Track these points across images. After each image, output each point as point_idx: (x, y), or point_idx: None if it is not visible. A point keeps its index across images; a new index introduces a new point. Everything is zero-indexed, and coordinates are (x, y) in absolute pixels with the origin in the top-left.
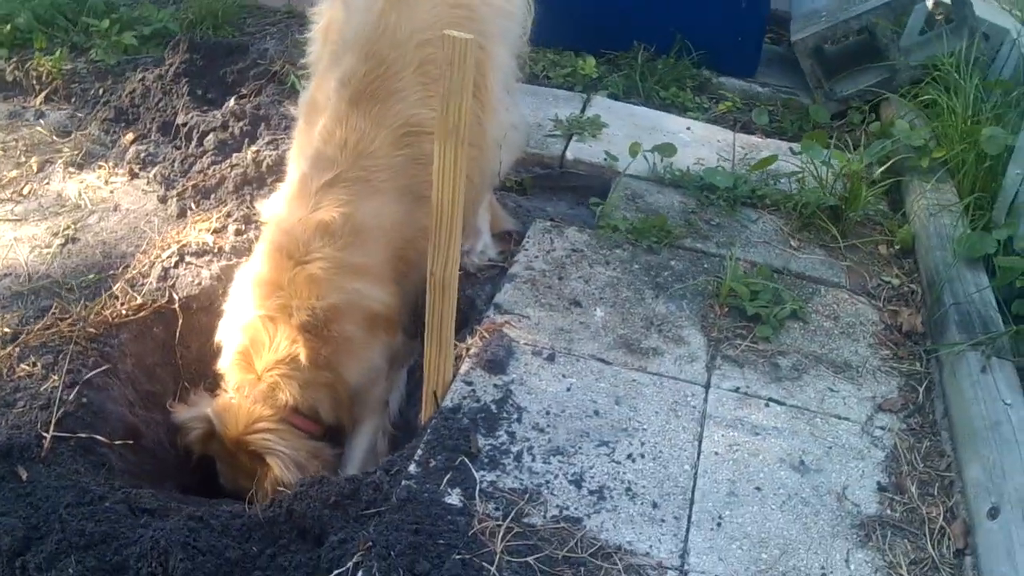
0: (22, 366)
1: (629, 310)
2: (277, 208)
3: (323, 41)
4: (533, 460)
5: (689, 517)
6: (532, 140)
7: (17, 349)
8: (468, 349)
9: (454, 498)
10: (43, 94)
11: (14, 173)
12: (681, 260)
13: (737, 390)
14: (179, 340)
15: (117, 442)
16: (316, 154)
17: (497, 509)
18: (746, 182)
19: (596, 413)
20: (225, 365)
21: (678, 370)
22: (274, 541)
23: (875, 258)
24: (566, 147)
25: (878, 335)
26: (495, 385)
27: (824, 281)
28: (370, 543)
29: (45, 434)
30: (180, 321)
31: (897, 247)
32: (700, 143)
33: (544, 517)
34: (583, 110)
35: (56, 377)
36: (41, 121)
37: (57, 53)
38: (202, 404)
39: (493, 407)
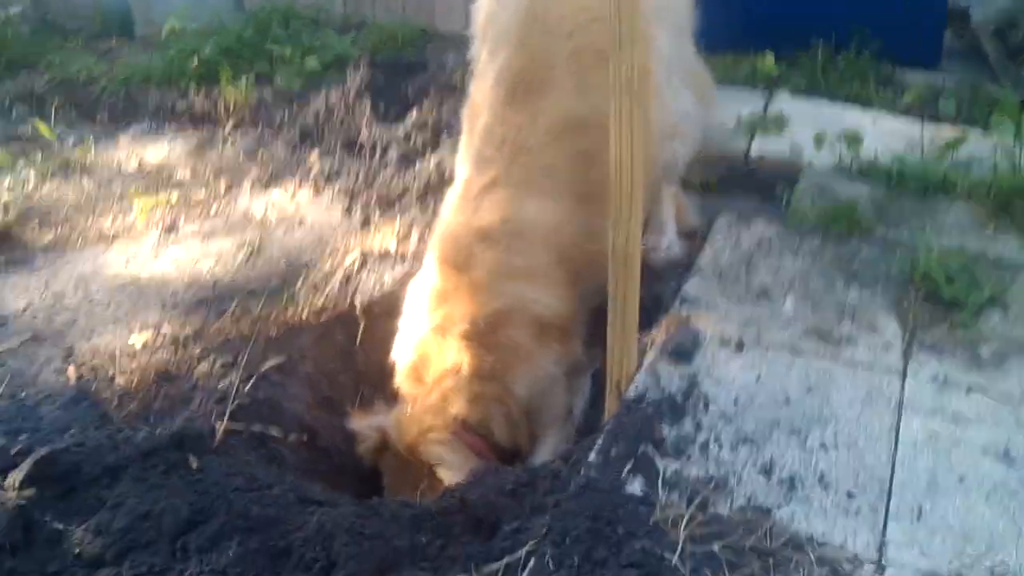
0: (202, 365)
1: (820, 299)
2: (444, 215)
3: (482, 38)
4: (720, 449)
5: (887, 508)
6: (716, 139)
7: (198, 349)
8: (652, 341)
9: (635, 487)
10: (231, 122)
11: (203, 194)
12: (872, 248)
13: (935, 378)
14: (360, 345)
15: (291, 436)
16: (476, 155)
17: (681, 498)
18: (936, 169)
19: (787, 402)
20: (399, 380)
21: (872, 358)
22: (445, 532)
23: None
24: (750, 144)
25: None
26: (681, 375)
27: None
28: (545, 529)
29: (218, 424)
30: (361, 326)
31: None
32: (886, 135)
33: (731, 507)
34: (765, 107)
35: (234, 375)
36: (229, 146)
37: (243, 81)
38: (379, 414)
39: (678, 397)
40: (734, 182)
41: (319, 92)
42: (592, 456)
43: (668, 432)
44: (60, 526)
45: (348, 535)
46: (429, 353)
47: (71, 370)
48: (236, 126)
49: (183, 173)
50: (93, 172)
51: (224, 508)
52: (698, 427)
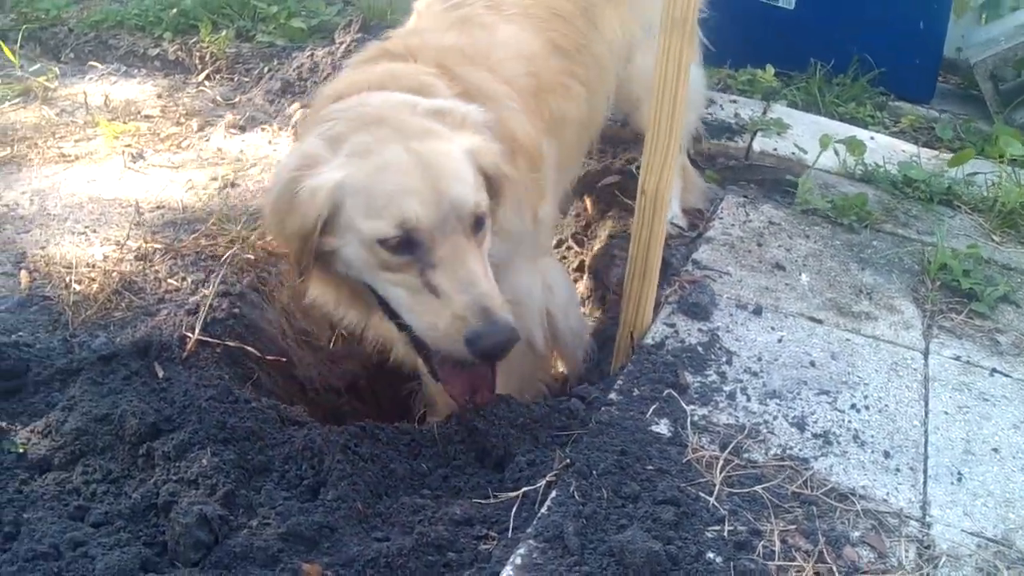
0: (170, 280)
1: (835, 278)
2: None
3: None
4: (748, 400)
5: (925, 470)
6: (715, 136)
7: (166, 264)
8: (667, 297)
9: (662, 428)
10: (206, 72)
11: (173, 130)
12: (883, 241)
13: (958, 358)
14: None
15: (269, 357)
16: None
17: (712, 442)
18: (940, 180)
19: (812, 364)
20: None
21: (894, 335)
22: (447, 461)
23: None
24: (751, 141)
25: None
26: (699, 330)
27: None
28: (568, 461)
29: (190, 335)
30: None
31: None
32: (885, 149)
33: (766, 454)
34: (764, 112)
35: (207, 291)
36: (203, 92)
37: (223, 34)
38: None
39: (700, 348)
40: (736, 175)
41: (303, 51)
42: (613, 395)
43: (691, 379)
44: (2, 423)
45: (341, 454)
46: None
47: (23, 274)
48: (211, 76)
49: (153, 111)
50: (55, 102)
51: (195, 416)
52: (723, 378)
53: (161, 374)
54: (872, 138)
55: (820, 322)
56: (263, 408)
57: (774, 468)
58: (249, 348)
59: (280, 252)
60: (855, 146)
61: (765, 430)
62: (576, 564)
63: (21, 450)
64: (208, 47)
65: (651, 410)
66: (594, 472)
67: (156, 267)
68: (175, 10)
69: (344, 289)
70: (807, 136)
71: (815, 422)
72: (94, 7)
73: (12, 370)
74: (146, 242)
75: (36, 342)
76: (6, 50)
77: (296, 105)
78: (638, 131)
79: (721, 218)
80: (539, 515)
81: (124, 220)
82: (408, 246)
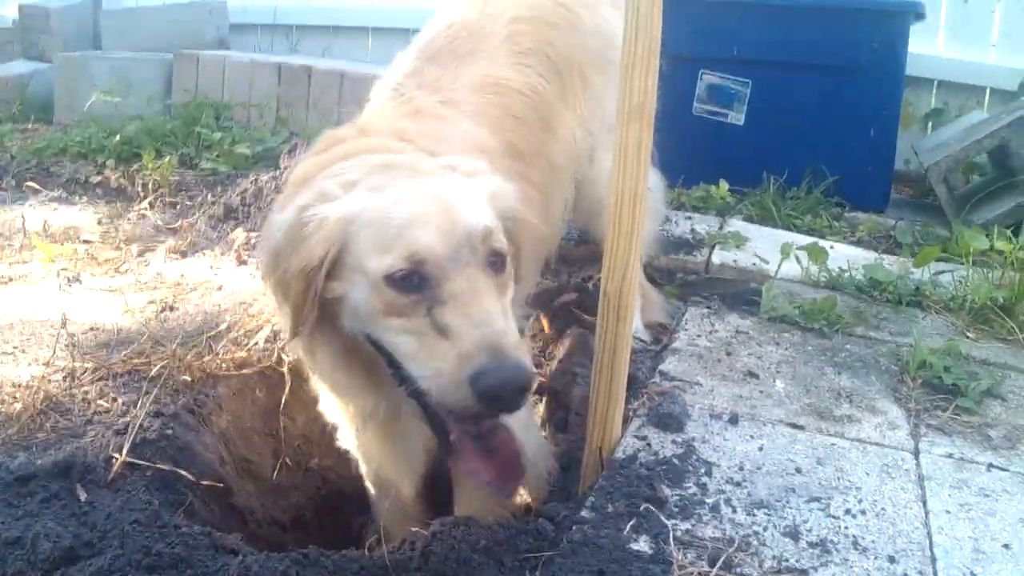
0: (99, 402)
1: (812, 383)
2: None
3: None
4: (734, 512)
5: (935, 573)
6: (673, 252)
7: (97, 385)
8: (635, 411)
9: (642, 545)
10: (147, 200)
11: (112, 254)
12: (855, 344)
13: (951, 456)
14: (284, 410)
15: (205, 482)
16: (393, 92)
17: (700, 558)
18: (907, 282)
19: (798, 471)
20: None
21: (880, 436)
22: None
23: None
24: (710, 255)
25: None
26: (673, 441)
27: (1013, 367)
28: None
29: (116, 456)
30: (287, 387)
31: None
32: (846, 258)
33: (760, 567)
34: (721, 227)
35: (138, 413)
36: (144, 219)
37: (166, 160)
38: None
39: (676, 460)
40: (696, 289)
41: (247, 177)
42: (584, 512)
43: (670, 493)
44: None
45: None
46: None
47: None
48: (153, 204)
49: (92, 236)
50: None
51: (117, 541)
52: (704, 490)
53: (83, 497)
54: (832, 247)
55: (801, 428)
56: (194, 534)
57: None
58: (182, 472)
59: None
60: (817, 253)
61: (756, 542)
62: None
63: None
64: (151, 174)
65: (628, 526)
66: None
67: (85, 388)
68: (118, 137)
69: (345, 348)
70: (766, 248)
71: (809, 530)
72: (37, 135)
73: None
74: (75, 361)
75: None
76: None
77: (240, 230)
78: (600, 239)
79: (686, 329)
80: None
81: (53, 341)
82: (416, 282)
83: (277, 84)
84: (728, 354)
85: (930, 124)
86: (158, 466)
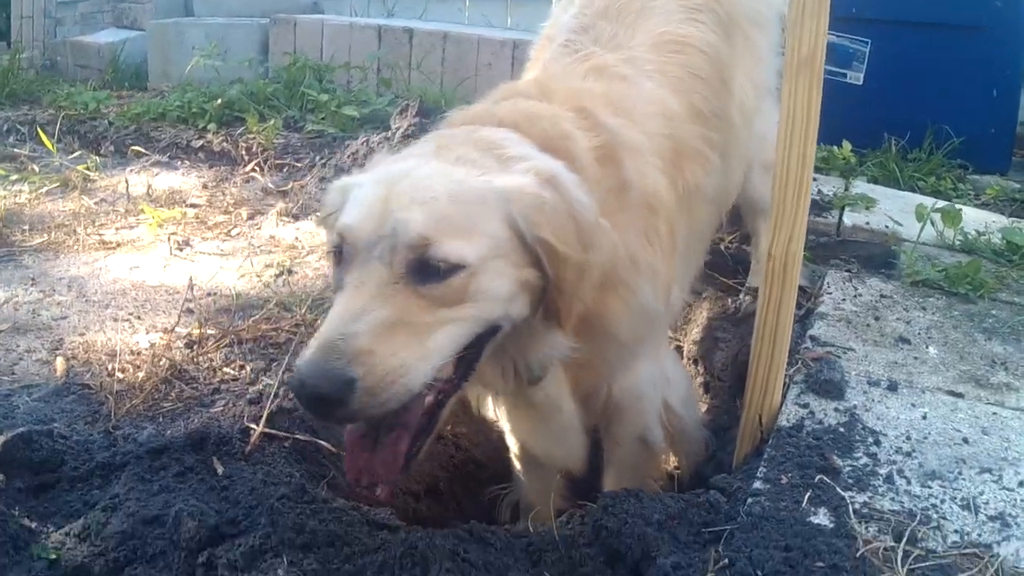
0: (225, 369)
1: (964, 350)
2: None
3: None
4: (908, 483)
5: None
6: None
7: (221, 352)
8: (791, 377)
9: (822, 518)
10: (254, 162)
11: (221, 218)
12: (1001, 310)
13: None
14: None
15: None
16: (564, 47)
17: (882, 532)
18: None
19: (965, 441)
20: None
21: None
22: (573, 568)
23: None
24: (840, 217)
25: None
26: (836, 410)
27: None
28: (726, 561)
29: (253, 426)
30: None
31: None
32: (977, 222)
33: (944, 542)
34: (846, 189)
35: (270, 380)
36: (251, 182)
37: (271, 123)
38: None
39: (841, 429)
40: (829, 252)
41: (356, 139)
42: (758, 484)
43: (841, 463)
44: (31, 524)
45: (450, 561)
46: None
47: (59, 362)
48: (260, 166)
49: (198, 200)
50: (95, 192)
51: (267, 519)
52: (875, 460)
53: (221, 471)
54: (960, 210)
55: (961, 396)
56: (346, 509)
57: (958, 557)
58: (322, 443)
59: None
60: (952, 216)
61: (935, 515)
62: None
63: (53, 556)
64: (255, 138)
65: (805, 499)
66: (759, 573)
67: (210, 355)
68: (219, 101)
69: None
70: (895, 209)
71: (986, 503)
72: (135, 101)
73: (45, 463)
74: (198, 327)
75: (73, 433)
76: (45, 139)
77: None
78: (754, 199)
79: (830, 293)
80: None
81: (171, 307)
82: (341, 260)
83: (377, 47)
84: (876, 319)
85: None
86: (296, 436)
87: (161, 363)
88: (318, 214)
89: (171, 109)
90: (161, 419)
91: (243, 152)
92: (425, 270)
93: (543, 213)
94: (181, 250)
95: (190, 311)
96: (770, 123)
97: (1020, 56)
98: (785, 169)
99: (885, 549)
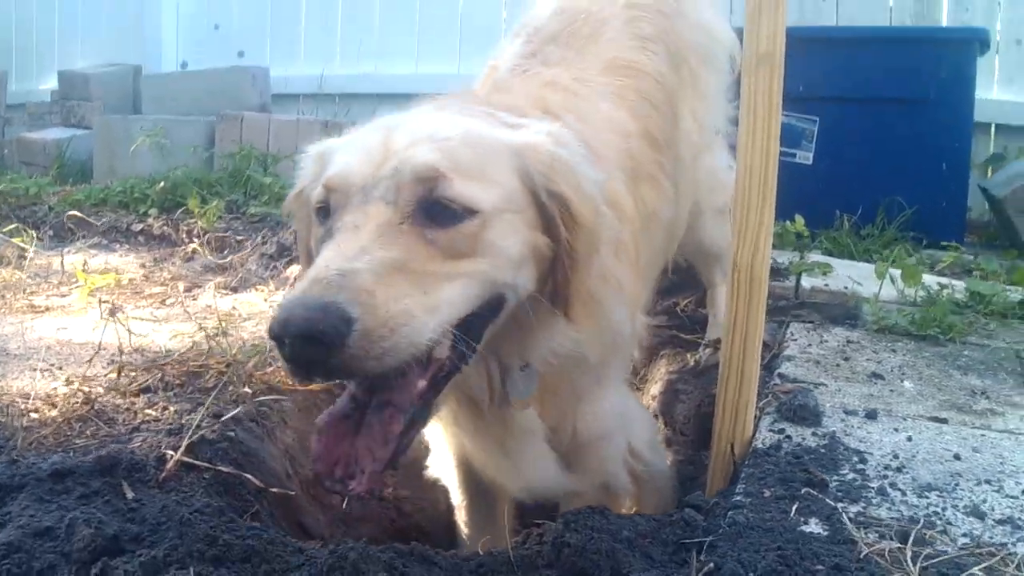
0: (148, 411)
1: (941, 383)
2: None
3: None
4: (903, 495)
5: None
6: None
7: (144, 397)
8: (763, 408)
9: (814, 527)
10: (193, 245)
11: (157, 289)
12: (973, 350)
13: None
14: None
15: (275, 490)
16: (515, 65)
17: (884, 537)
18: (1008, 296)
19: (957, 457)
20: None
21: None
22: None
23: None
24: (798, 280)
25: None
26: (814, 434)
27: None
28: (712, 565)
29: (171, 452)
30: None
31: None
32: (937, 283)
33: (954, 544)
34: (801, 258)
35: (195, 414)
36: (191, 259)
37: (214, 203)
38: None
39: (823, 450)
40: (787, 313)
41: None
42: (739, 497)
43: (828, 478)
44: None
45: (386, 573)
46: None
47: None
48: (201, 247)
49: (135, 276)
50: (29, 268)
51: (176, 531)
52: (863, 475)
53: (131, 495)
54: (920, 268)
55: (944, 421)
56: (266, 529)
57: (972, 555)
58: (248, 476)
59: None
60: (912, 273)
61: (939, 521)
62: None
63: None
64: (197, 222)
65: (793, 509)
66: (751, 574)
67: (132, 399)
68: (162, 184)
69: None
70: (853, 275)
71: (992, 509)
72: (77, 190)
73: None
74: (120, 372)
75: None
76: None
77: (295, 266)
78: (701, 242)
79: (795, 339)
80: None
81: (96, 359)
82: (326, 214)
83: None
84: (845, 359)
85: (990, 169)
86: (219, 468)
87: (77, 399)
88: (289, 195)
89: (112, 195)
90: (72, 452)
91: (183, 235)
92: (435, 211)
93: (558, 171)
94: (112, 315)
95: (114, 362)
96: (719, 166)
97: (967, 128)
98: (748, 167)
99: (891, 551)
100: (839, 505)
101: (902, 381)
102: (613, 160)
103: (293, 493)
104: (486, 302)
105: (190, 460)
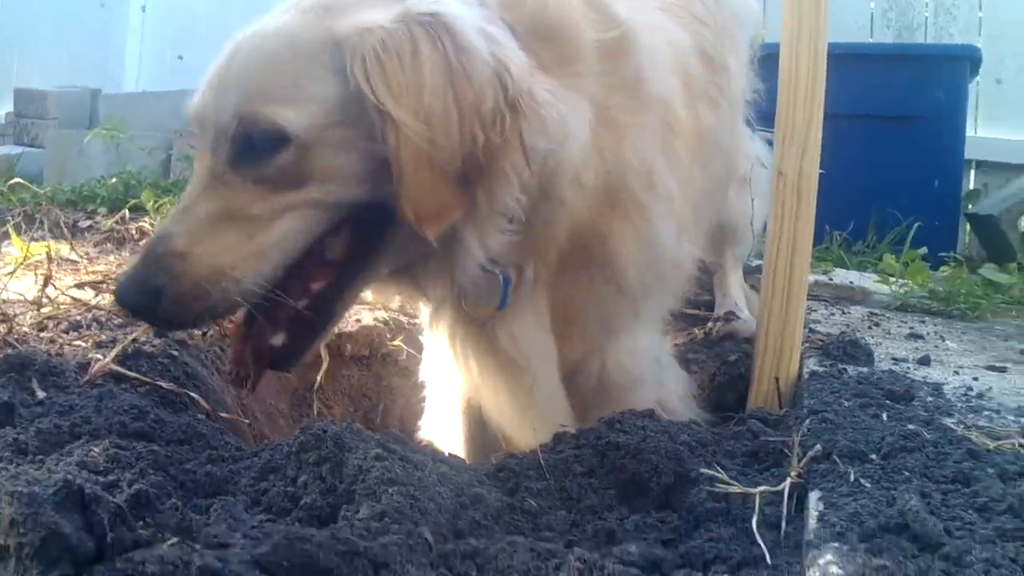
0: (76, 341)
1: (984, 345)
2: None
3: None
4: (997, 414)
5: None
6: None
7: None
8: (805, 352)
9: (915, 427)
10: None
11: (100, 267)
12: (1004, 326)
13: None
14: (319, 393)
15: (224, 415)
16: None
17: (1000, 438)
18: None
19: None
20: None
21: None
22: (572, 502)
23: None
24: None
25: None
26: (870, 371)
27: None
28: (817, 448)
29: (98, 356)
30: (324, 367)
31: None
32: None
33: None
34: None
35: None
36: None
37: (169, 198)
38: None
39: (888, 378)
40: None
41: None
42: (814, 404)
43: (907, 393)
44: None
45: (376, 459)
46: None
47: None
48: None
49: (78, 261)
50: None
51: (93, 406)
52: (945, 400)
53: (41, 394)
54: (927, 265)
55: (1003, 370)
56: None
57: None
58: (193, 395)
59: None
60: (918, 271)
61: None
62: None
63: None
64: (150, 219)
65: (884, 415)
66: (872, 456)
67: (60, 335)
68: (114, 179)
69: None
70: (853, 277)
71: None
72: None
73: None
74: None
75: None
76: None
77: None
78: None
79: (817, 310)
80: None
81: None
82: None
83: None
84: (877, 324)
85: (970, 205)
86: (158, 383)
87: None
88: None
89: (61, 193)
90: None
91: (135, 233)
92: (250, 151)
93: (382, 61)
94: (46, 286)
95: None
96: (745, 133)
97: (959, 145)
98: (794, 66)
99: (1021, 445)
100: (925, 415)
101: (944, 340)
102: (667, 65)
103: (248, 423)
104: (342, 221)
105: (122, 370)
